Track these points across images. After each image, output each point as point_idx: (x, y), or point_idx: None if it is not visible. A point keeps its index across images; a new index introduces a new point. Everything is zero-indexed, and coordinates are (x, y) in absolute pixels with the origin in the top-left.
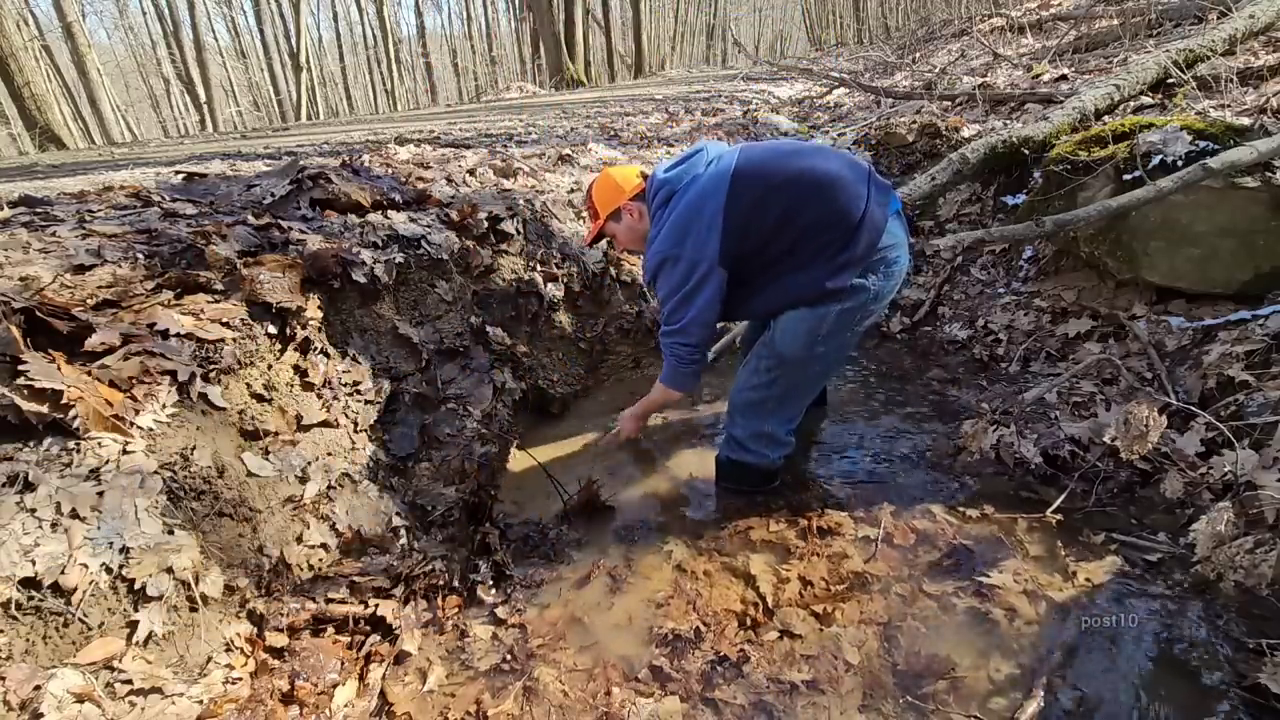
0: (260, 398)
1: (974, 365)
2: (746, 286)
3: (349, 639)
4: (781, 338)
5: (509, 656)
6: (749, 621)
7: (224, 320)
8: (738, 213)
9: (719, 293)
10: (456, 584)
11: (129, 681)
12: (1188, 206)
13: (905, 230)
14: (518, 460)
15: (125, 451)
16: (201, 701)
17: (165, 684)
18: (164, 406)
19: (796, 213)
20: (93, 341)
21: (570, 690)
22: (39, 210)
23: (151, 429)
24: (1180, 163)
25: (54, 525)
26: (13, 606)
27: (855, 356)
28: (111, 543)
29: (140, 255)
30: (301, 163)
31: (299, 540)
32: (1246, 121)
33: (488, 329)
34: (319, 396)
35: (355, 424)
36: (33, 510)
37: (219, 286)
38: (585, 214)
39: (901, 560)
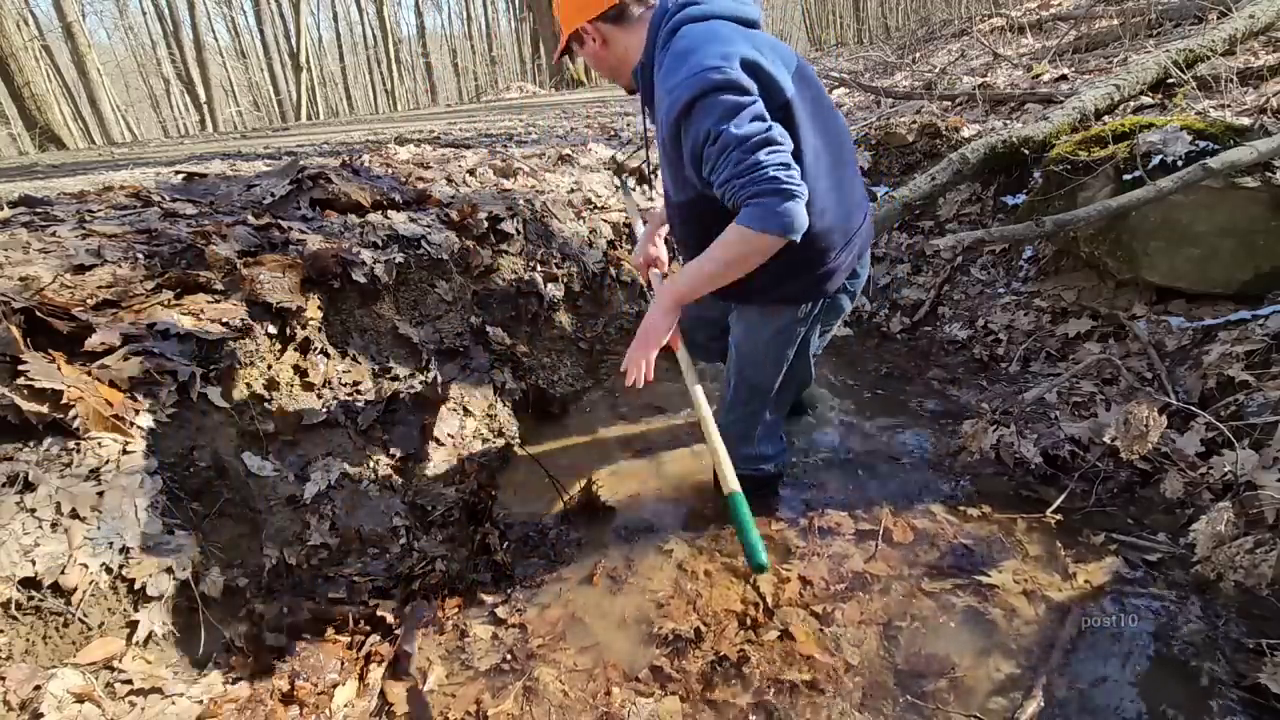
0: (260, 398)
1: (974, 365)
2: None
3: (349, 639)
4: (743, 343)
5: (509, 656)
6: (749, 621)
7: (224, 320)
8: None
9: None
10: (456, 584)
11: (129, 681)
12: (1188, 206)
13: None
14: (518, 460)
15: (125, 451)
16: (201, 701)
17: (165, 684)
18: (164, 406)
19: (836, 152)
20: (93, 341)
21: (570, 690)
22: (39, 210)
23: (151, 429)
24: (1180, 163)
25: (54, 525)
26: (13, 606)
27: (856, 356)
28: (111, 543)
29: (140, 255)
30: (301, 163)
31: (299, 540)
32: (1246, 121)
33: (488, 329)
34: (319, 396)
35: (355, 424)
36: (33, 510)
37: (219, 286)
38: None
39: (901, 560)
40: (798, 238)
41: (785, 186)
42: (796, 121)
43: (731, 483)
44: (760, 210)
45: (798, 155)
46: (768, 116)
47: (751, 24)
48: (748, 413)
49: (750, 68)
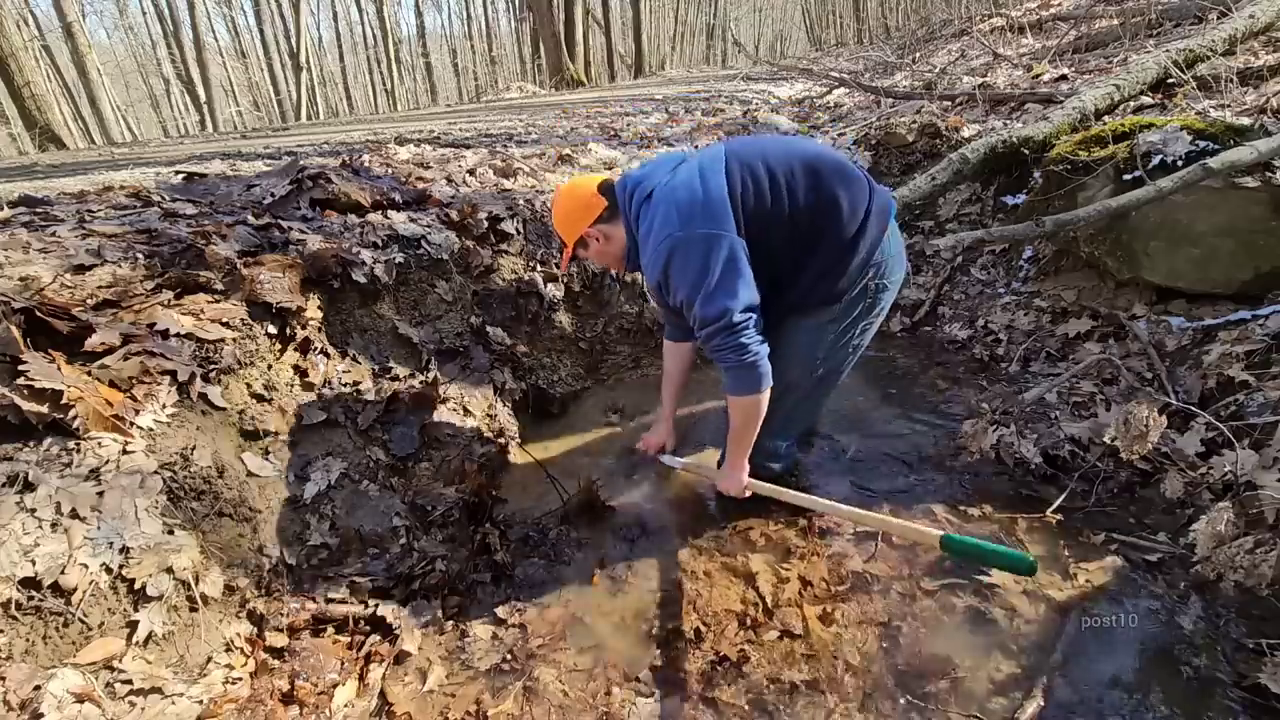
0: (260, 398)
1: (974, 365)
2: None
3: (349, 639)
4: (784, 355)
5: (509, 656)
6: (749, 621)
7: (224, 320)
8: (741, 187)
9: (747, 263)
10: (456, 584)
11: (129, 681)
12: (1188, 206)
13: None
14: (518, 460)
15: (125, 451)
16: (201, 701)
17: (165, 684)
18: (164, 406)
19: (806, 194)
20: (93, 341)
21: (570, 690)
22: (39, 210)
23: (151, 429)
24: (1180, 163)
25: (54, 525)
26: (13, 606)
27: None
28: (111, 543)
29: (140, 255)
30: (301, 163)
31: (299, 540)
32: (1246, 121)
33: (488, 329)
34: (319, 396)
35: (355, 424)
36: (33, 510)
37: (219, 286)
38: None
39: (901, 560)
40: (765, 390)
41: (743, 362)
42: (756, 218)
43: (933, 534)
44: (732, 381)
45: (768, 252)
46: (738, 255)
47: (674, 167)
48: (772, 407)
49: (734, 184)
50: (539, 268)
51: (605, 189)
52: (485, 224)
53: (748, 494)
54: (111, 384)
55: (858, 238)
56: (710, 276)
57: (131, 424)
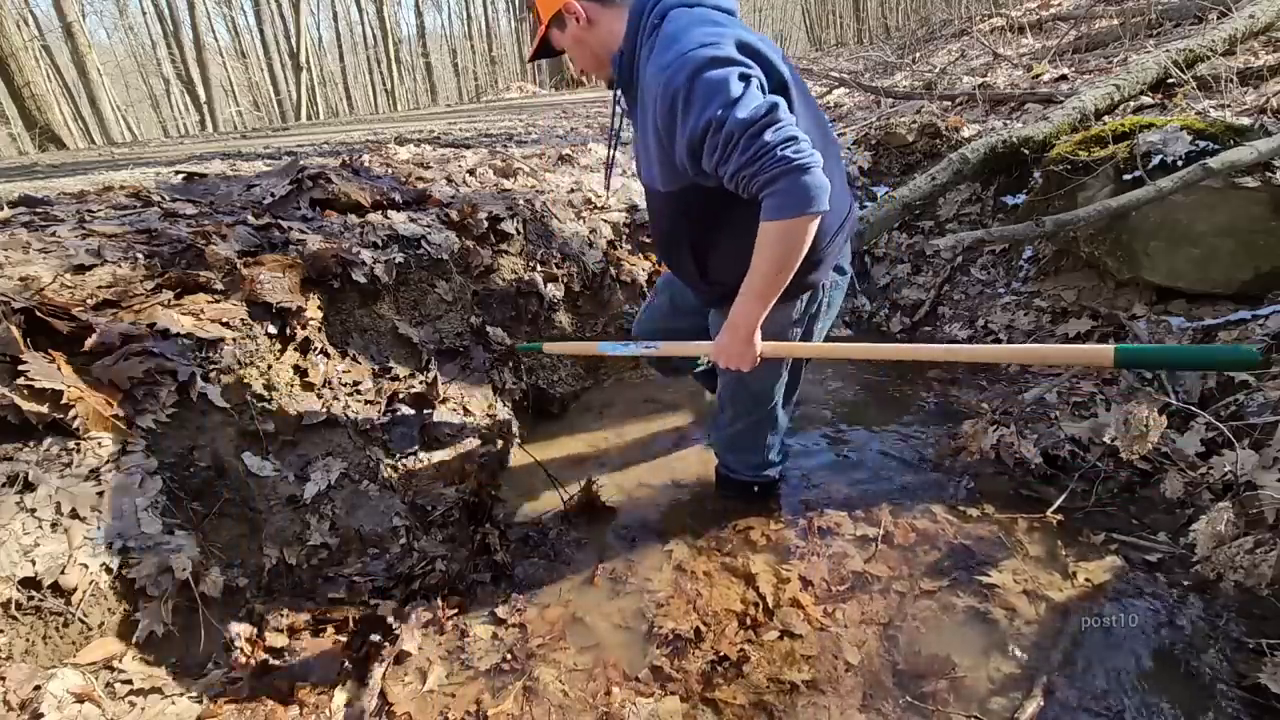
0: (260, 398)
1: (974, 365)
2: (714, 227)
3: (349, 639)
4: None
5: (509, 656)
6: (749, 621)
7: (224, 320)
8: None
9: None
10: (456, 584)
11: (129, 681)
12: (1188, 206)
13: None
14: (518, 460)
15: (125, 451)
16: (201, 701)
17: (165, 684)
18: (164, 406)
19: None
20: (93, 341)
21: (570, 690)
22: (39, 210)
23: (151, 429)
24: (1180, 163)
25: (54, 525)
26: (13, 606)
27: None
28: (111, 543)
29: (140, 255)
30: (301, 163)
31: (299, 540)
32: (1246, 121)
33: (488, 329)
34: (319, 396)
35: (355, 424)
36: (33, 510)
37: (219, 286)
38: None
39: (901, 560)
40: (827, 206)
41: (797, 163)
42: (793, 105)
43: (1105, 351)
44: (780, 199)
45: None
46: (767, 88)
47: (731, 13)
48: (753, 422)
49: (745, 49)
50: (539, 268)
51: None
52: (485, 224)
53: (758, 363)
54: (111, 384)
55: (826, 226)
56: (748, 87)
57: (131, 424)
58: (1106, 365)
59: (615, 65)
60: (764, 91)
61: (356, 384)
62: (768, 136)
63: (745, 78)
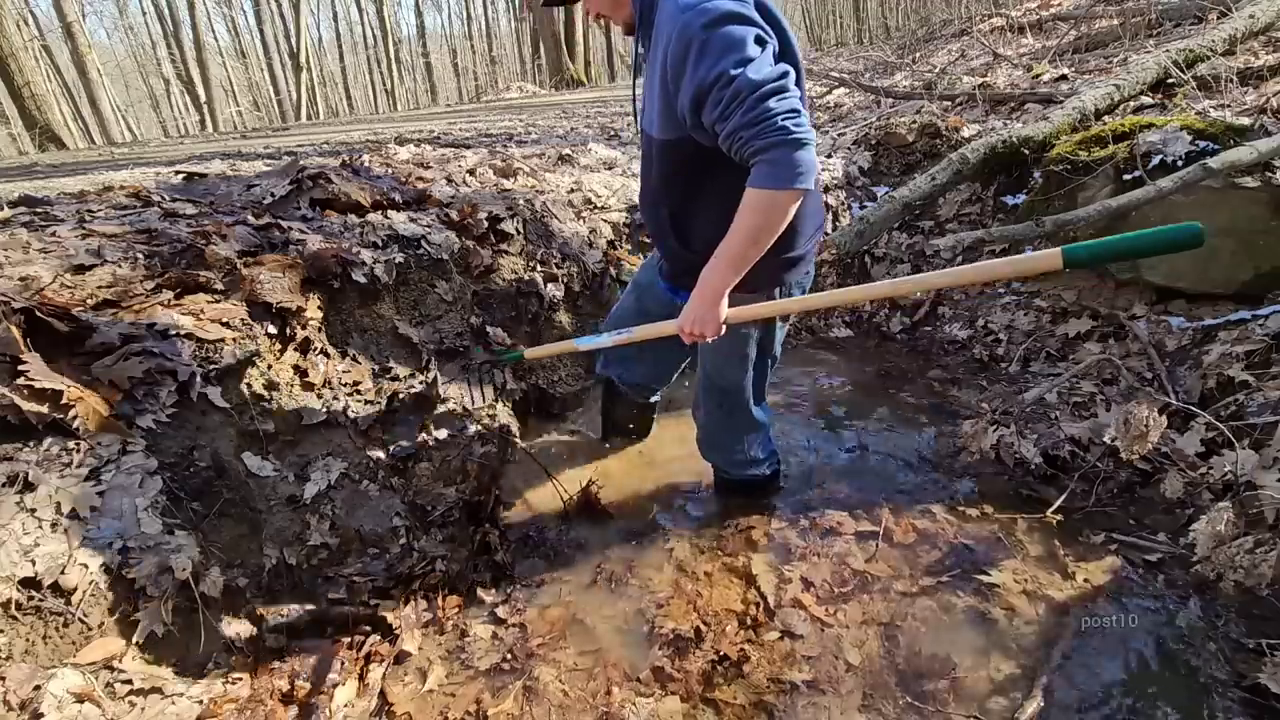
0: (260, 398)
1: (974, 365)
2: (700, 190)
3: (349, 639)
4: (711, 362)
5: (509, 656)
6: (749, 621)
7: (224, 320)
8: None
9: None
10: (456, 584)
11: (129, 681)
12: (1188, 206)
13: None
14: (518, 460)
15: (125, 451)
16: (201, 701)
17: (165, 684)
18: (164, 406)
19: None
20: (93, 341)
21: (570, 690)
22: (39, 210)
23: (151, 429)
24: (1180, 163)
25: (54, 525)
26: (13, 606)
27: (856, 356)
28: (111, 543)
29: (140, 255)
30: (301, 163)
31: (299, 540)
32: (1246, 121)
33: (488, 329)
34: (319, 396)
35: (355, 424)
36: (33, 510)
37: (219, 286)
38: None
39: (902, 560)
40: (812, 185)
41: (794, 135)
42: (800, 78)
43: (1052, 254)
44: (770, 167)
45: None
46: (778, 57)
47: None
48: (723, 416)
49: (764, 13)
50: (539, 268)
51: None
52: (485, 224)
53: (723, 331)
54: (111, 384)
55: (805, 228)
56: (764, 51)
57: (131, 424)
58: (1056, 269)
59: (634, 6)
60: (775, 60)
61: (356, 384)
62: (773, 104)
63: (761, 41)
